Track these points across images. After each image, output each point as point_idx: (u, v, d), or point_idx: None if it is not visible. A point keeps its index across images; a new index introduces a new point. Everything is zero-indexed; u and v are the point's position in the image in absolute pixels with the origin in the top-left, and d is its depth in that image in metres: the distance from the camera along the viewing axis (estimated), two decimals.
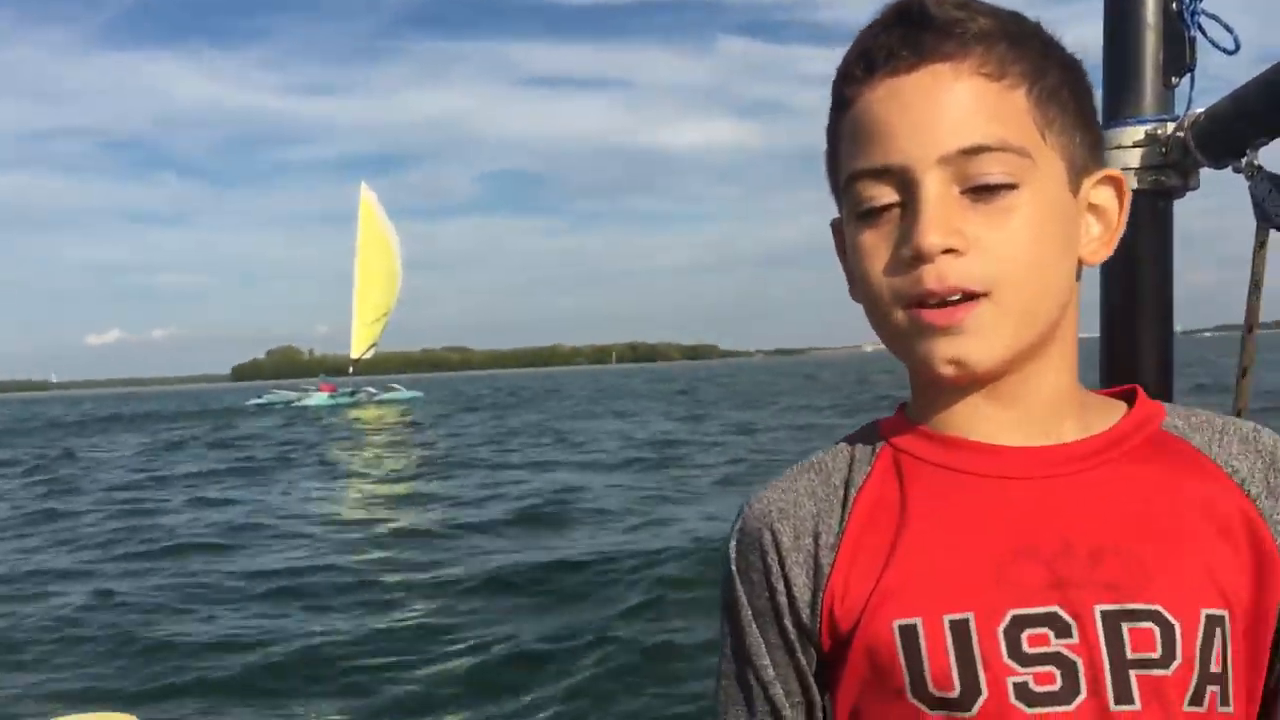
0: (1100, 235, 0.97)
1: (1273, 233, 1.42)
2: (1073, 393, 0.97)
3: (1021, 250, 0.89)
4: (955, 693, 0.88)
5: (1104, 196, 0.97)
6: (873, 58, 0.92)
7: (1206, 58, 1.46)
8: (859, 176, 0.92)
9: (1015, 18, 0.94)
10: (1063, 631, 0.88)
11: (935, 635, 0.89)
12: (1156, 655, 0.87)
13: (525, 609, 8.76)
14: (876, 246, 0.92)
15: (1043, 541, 0.90)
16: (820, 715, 1.00)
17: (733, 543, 1.01)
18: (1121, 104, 1.52)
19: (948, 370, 0.91)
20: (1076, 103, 0.94)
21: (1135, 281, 1.53)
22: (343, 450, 26.59)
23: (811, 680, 0.99)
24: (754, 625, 0.99)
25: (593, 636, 7.67)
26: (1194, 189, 1.51)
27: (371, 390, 64.34)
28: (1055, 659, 0.87)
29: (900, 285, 0.91)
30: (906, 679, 0.90)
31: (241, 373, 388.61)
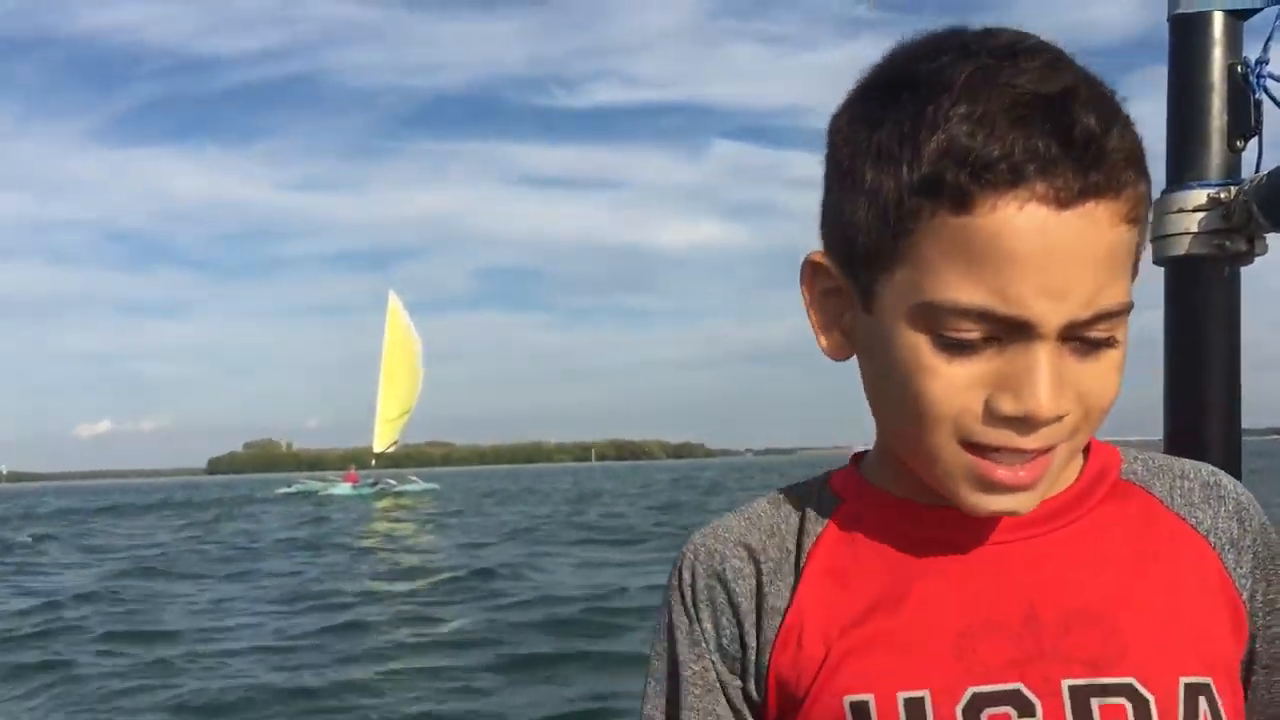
0: None
1: None
2: None
3: (1109, 397, 0.82)
4: None
5: None
6: (1022, 169, 0.74)
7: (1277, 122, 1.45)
8: (963, 312, 0.77)
9: (1132, 123, 0.80)
10: (1025, 710, 0.81)
11: (889, 713, 0.82)
12: None
13: None
14: (956, 379, 0.79)
15: (1007, 612, 0.84)
16: None
17: (682, 580, 0.93)
18: (1186, 167, 1.50)
19: (988, 515, 0.84)
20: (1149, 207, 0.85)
21: (1201, 352, 1.48)
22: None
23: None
24: (694, 666, 0.91)
25: None
26: (1261, 254, 1.48)
27: (391, 482, 67.90)
28: None
29: (978, 431, 0.79)
30: None
31: (217, 465, 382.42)
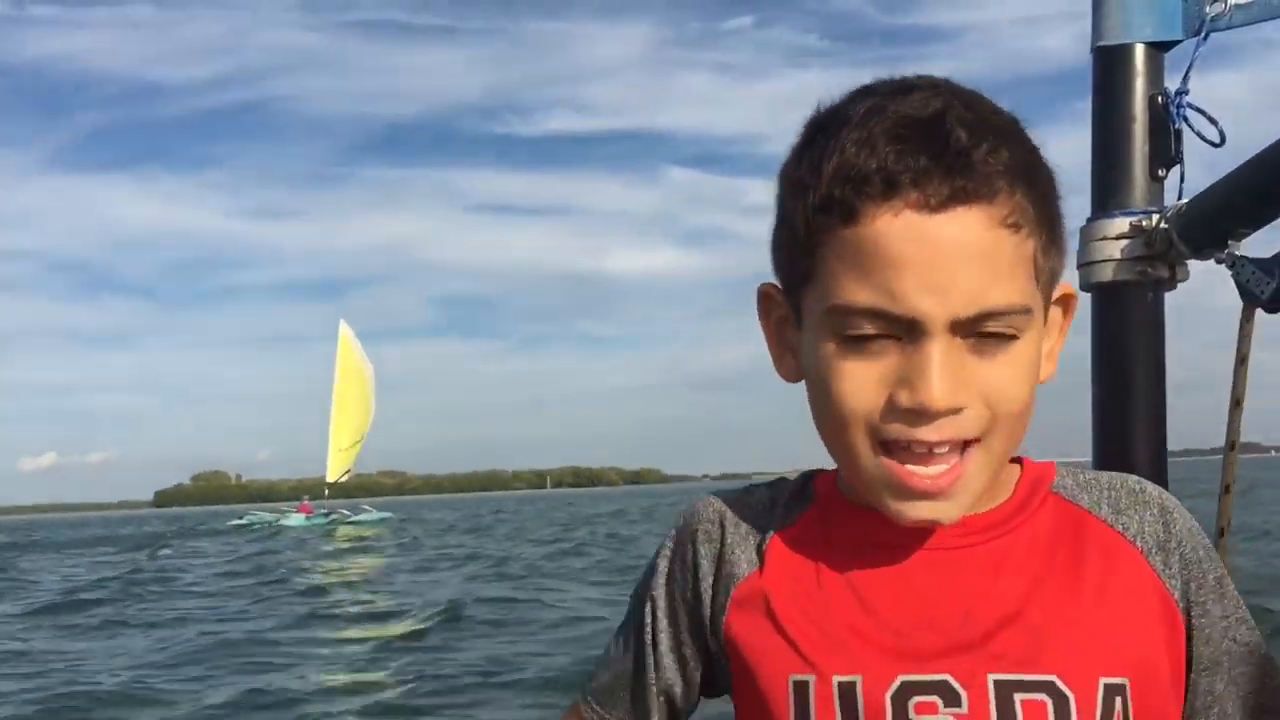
0: (1046, 352, 0.93)
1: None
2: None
3: (1016, 397, 0.87)
4: None
5: (1053, 313, 0.94)
6: (896, 179, 0.82)
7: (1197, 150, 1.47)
8: (856, 311, 0.85)
9: (1022, 141, 0.88)
10: (952, 700, 0.87)
11: (824, 694, 0.89)
12: None
13: None
14: (860, 376, 0.86)
15: (944, 613, 0.90)
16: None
17: (675, 532, 1.03)
18: (1109, 196, 1.53)
19: (918, 525, 0.89)
20: (1061, 227, 0.91)
21: (1127, 374, 1.51)
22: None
23: (688, 689, 1.02)
24: (666, 610, 1.01)
25: None
26: (1183, 280, 1.51)
27: (345, 512, 66.96)
28: None
29: (885, 428, 0.86)
30: None
31: (164, 498, 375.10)
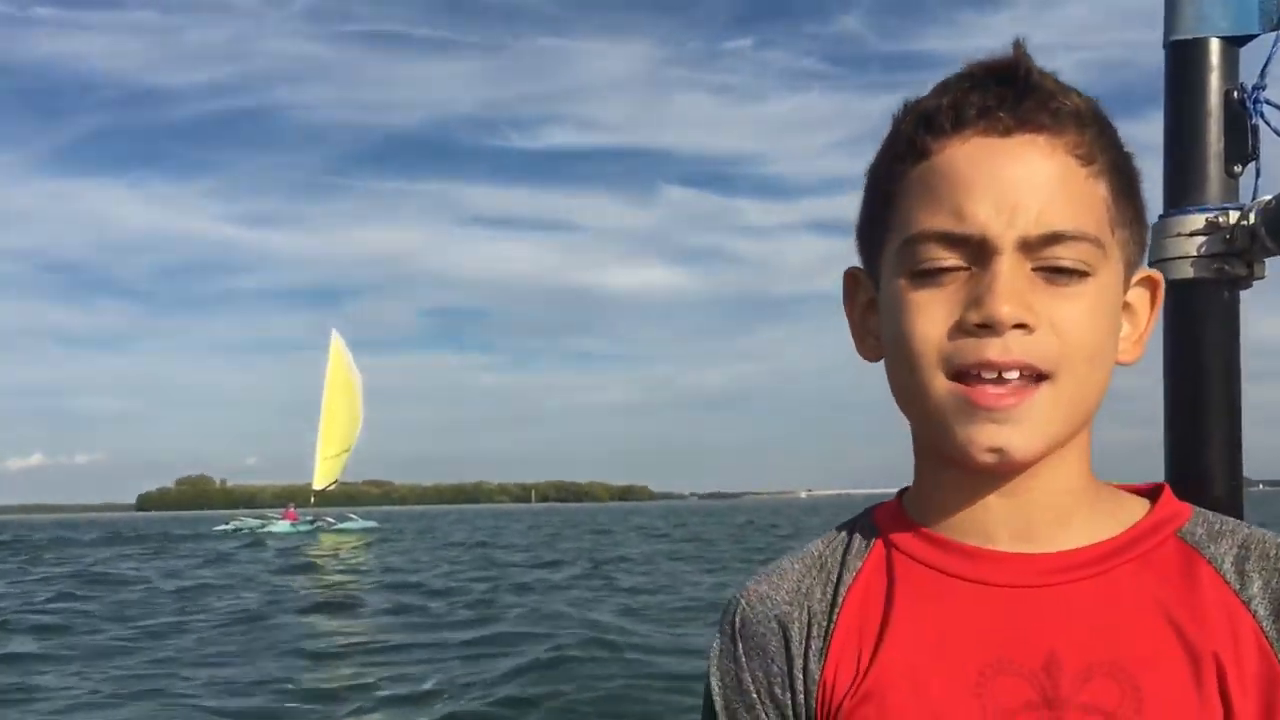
0: (1129, 335, 0.93)
1: None
2: (1084, 490, 0.91)
3: (1087, 337, 0.85)
4: None
5: (1137, 295, 0.93)
6: (964, 112, 0.86)
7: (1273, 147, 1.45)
8: (926, 237, 0.86)
9: (1098, 104, 0.90)
10: None
11: None
12: None
13: None
14: (932, 306, 0.86)
15: (1027, 655, 0.85)
16: None
17: (730, 630, 0.96)
18: (1183, 192, 1.50)
19: (986, 458, 0.85)
20: (1139, 203, 0.92)
21: (1201, 374, 1.47)
22: None
23: None
24: (751, 712, 0.93)
25: None
26: (1260, 278, 1.47)
27: (330, 520, 67.88)
28: None
29: (955, 351, 0.85)
30: None
31: (147, 502, 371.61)
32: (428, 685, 10.19)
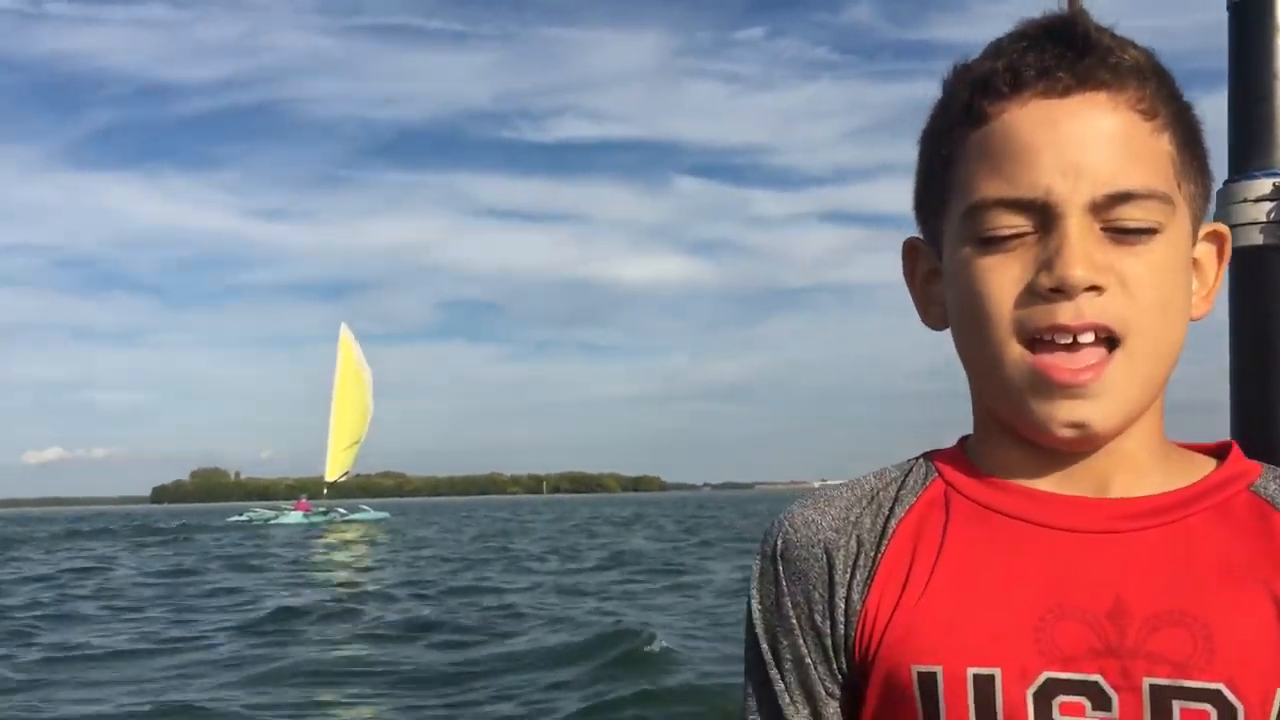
0: (1198, 290, 0.91)
1: None
2: (1156, 447, 0.90)
3: (1158, 296, 0.83)
4: None
5: (1204, 251, 0.92)
6: (1022, 74, 0.84)
7: None
8: (990, 204, 0.84)
9: (1156, 56, 0.88)
10: (1101, 704, 0.79)
11: (956, 688, 0.81)
12: None
13: None
14: (1001, 273, 0.85)
15: (1091, 602, 0.82)
16: None
17: (771, 552, 0.94)
18: (1249, 157, 1.48)
19: (1066, 433, 0.83)
20: (1203, 154, 0.90)
21: (1268, 340, 1.45)
22: None
23: (831, 705, 0.90)
24: (790, 637, 0.91)
25: None
26: None
27: (342, 510, 68.51)
28: None
29: (1027, 317, 0.83)
30: None
31: (162, 494, 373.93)
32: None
